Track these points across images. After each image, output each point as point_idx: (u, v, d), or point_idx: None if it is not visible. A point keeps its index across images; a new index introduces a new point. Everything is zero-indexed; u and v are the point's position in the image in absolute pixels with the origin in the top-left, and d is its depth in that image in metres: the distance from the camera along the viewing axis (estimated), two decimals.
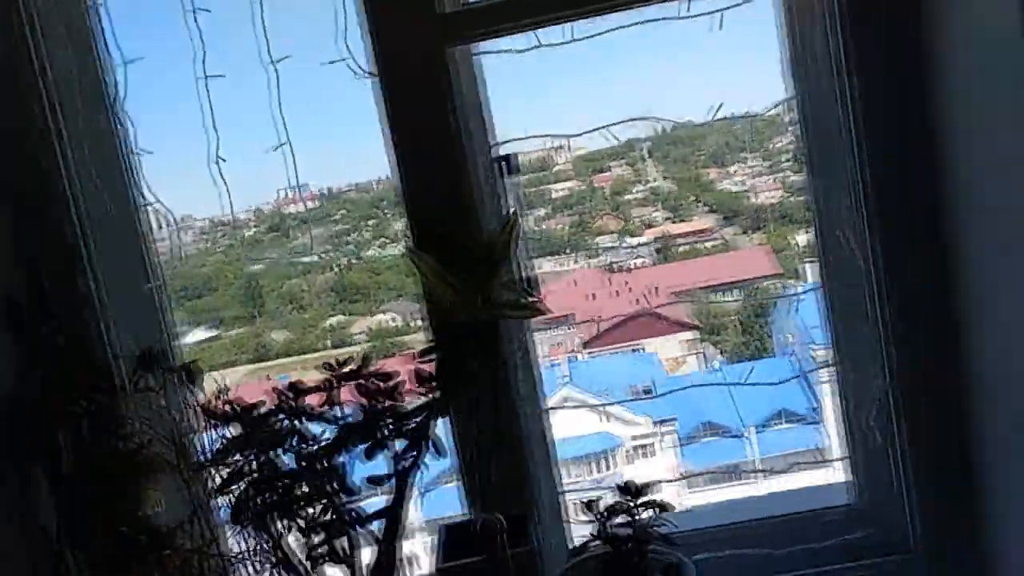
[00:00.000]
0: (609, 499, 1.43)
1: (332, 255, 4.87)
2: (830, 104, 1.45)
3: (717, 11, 1.47)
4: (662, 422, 4.98)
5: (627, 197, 4.72)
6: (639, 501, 1.41)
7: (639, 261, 4.77)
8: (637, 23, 1.50)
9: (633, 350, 5.04)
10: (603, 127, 1.58)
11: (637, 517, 1.40)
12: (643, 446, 4.94)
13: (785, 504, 1.65)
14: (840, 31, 1.40)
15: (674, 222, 4.82)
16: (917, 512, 1.52)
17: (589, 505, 1.43)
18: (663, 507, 1.39)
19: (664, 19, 1.50)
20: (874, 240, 1.45)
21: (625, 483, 1.44)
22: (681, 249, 4.84)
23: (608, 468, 4.74)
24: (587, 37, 1.52)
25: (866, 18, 1.38)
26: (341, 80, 1.55)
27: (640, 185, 4.76)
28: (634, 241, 5.09)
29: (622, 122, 1.59)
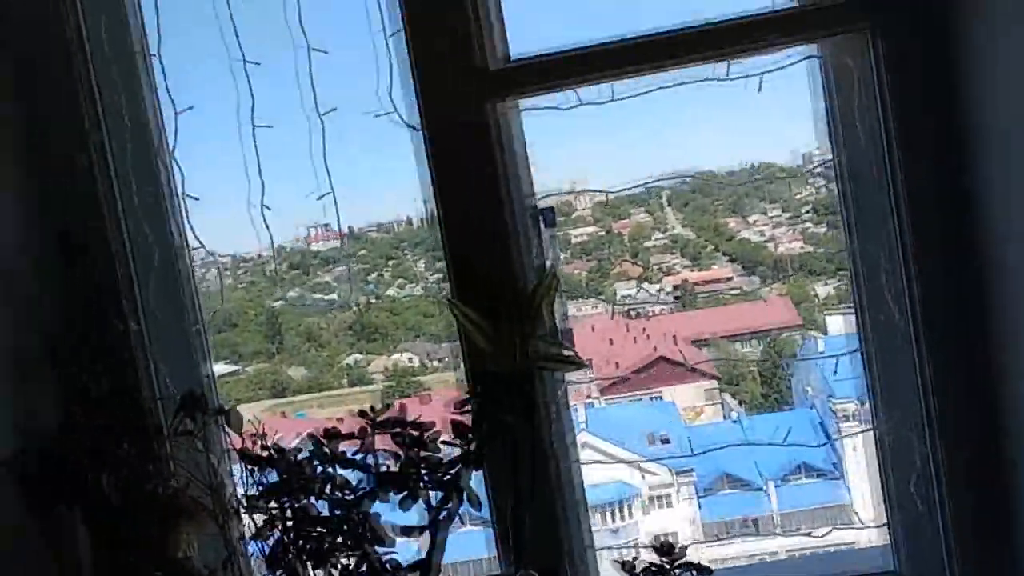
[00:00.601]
0: (643, 557, 1.42)
1: (352, 294, 4.91)
2: (869, 162, 1.46)
3: (757, 74, 1.50)
4: (680, 472, 4.93)
5: (647, 244, 4.74)
6: (677, 563, 1.40)
7: (658, 308, 4.77)
8: (678, 84, 1.53)
9: (651, 398, 5.01)
10: (643, 184, 1.60)
11: None
12: (660, 496, 4.88)
13: (822, 567, 1.62)
14: (878, 91, 1.43)
15: (693, 270, 4.83)
16: None
17: (625, 565, 1.42)
18: (701, 570, 1.38)
19: (704, 80, 1.53)
20: (914, 298, 1.46)
21: (661, 543, 1.43)
22: (700, 297, 4.84)
23: (624, 518, 4.68)
24: (628, 97, 1.56)
25: (904, 79, 1.41)
26: (377, 128, 1.59)
27: (660, 232, 4.78)
28: (653, 288, 5.10)
29: (662, 179, 1.62)
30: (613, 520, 4.75)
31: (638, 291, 5.05)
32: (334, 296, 4.81)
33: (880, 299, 1.51)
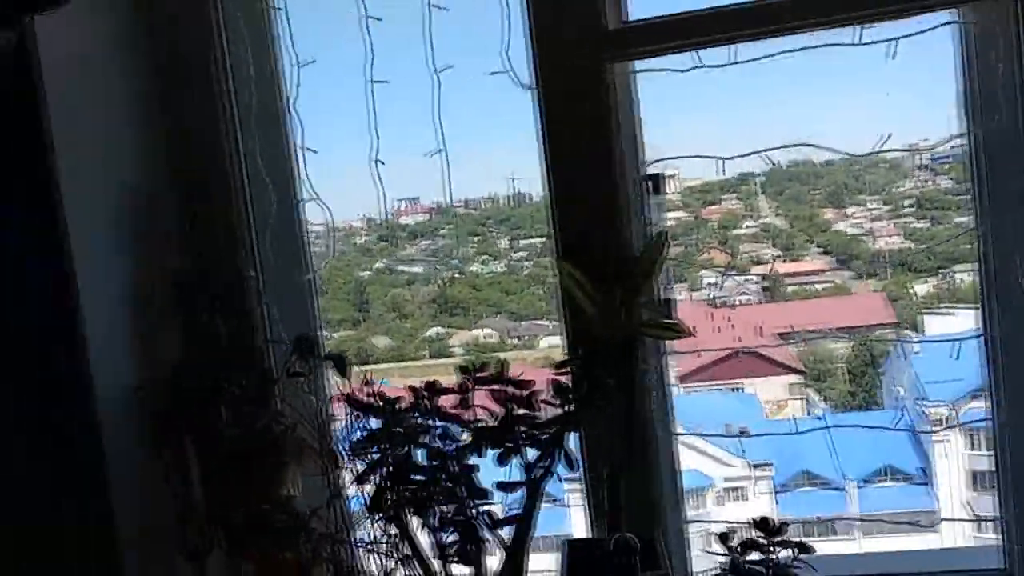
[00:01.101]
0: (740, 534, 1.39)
1: (436, 268, 4.97)
2: (1008, 141, 1.38)
3: (890, 39, 1.43)
4: (758, 466, 4.82)
5: (736, 232, 4.63)
6: (775, 539, 1.36)
7: (744, 298, 4.65)
8: (804, 48, 1.48)
9: (733, 389, 4.91)
10: (760, 151, 1.55)
11: (773, 556, 1.35)
12: (735, 488, 4.79)
13: (925, 562, 1.56)
14: (1021, 64, 1.35)
15: (784, 261, 4.69)
16: None
17: (723, 537, 1.39)
18: (803, 548, 1.34)
19: (832, 45, 1.47)
20: None
21: (762, 518, 1.40)
22: (790, 289, 4.70)
23: (698, 508, 4.61)
24: (749, 61, 1.51)
25: None
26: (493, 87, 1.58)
27: (751, 220, 4.66)
28: (740, 278, 4.98)
29: (777, 148, 1.56)
30: (687, 509, 4.68)
31: (725, 279, 4.94)
32: (419, 269, 4.89)
33: (1010, 285, 1.43)
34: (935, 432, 4.21)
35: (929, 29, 1.41)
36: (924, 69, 1.53)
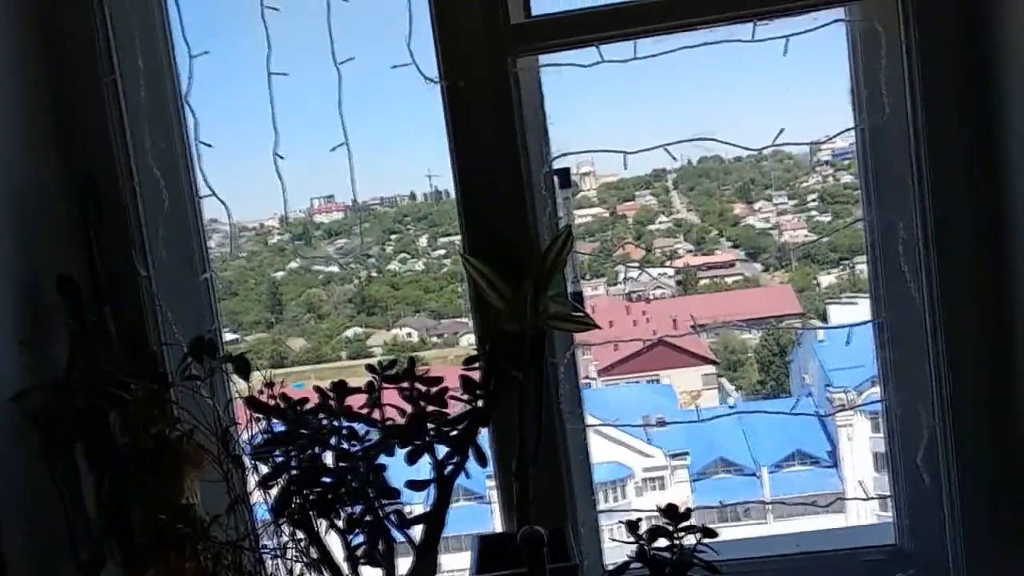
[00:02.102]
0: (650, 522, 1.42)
1: (353, 267, 4.90)
2: (895, 135, 1.44)
3: (783, 36, 1.47)
4: (675, 455, 4.94)
5: (651, 227, 4.73)
6: (681, 525, 1.39)
7: (659, 292, 4.76)
8: (702, 44, 1.51)
9: (649, 381, 5.01)
10: (661, 145, 1.58)
11: (679, 542, 1.38)
12: (654, 478, 4.89)
13: (826, 541, 1.62)
14: (906, 58, 1.41)
15: (696, 255, 4.81)
16: (963, 556, 1.49)
17: (631, 525, 1.41)
18: (707, 532, 1.37)
19: (729, 42, 1.50)
20: (931, 274, 1.44)
21: (668, 505, 1.42)
22: (702, 283, 4.83)
23: (618, 498, 4.69)
24: (651, 56, 1.53)
25: (935, 45, 1.39)
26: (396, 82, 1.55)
27: (664, 216, 4.76)
28: (655, 272, 5.09)
29: (681, 142, 1.59)
30: (607, 500, 4.76)
31: (640, 274, 5.04)
32: (335, 268, 4.80)
33: (897, 271, 1.50)
34: (835, 416, 4.40)
35: (819, 27, 1.46)
36: (820, 66, 1.58)
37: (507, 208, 1.54)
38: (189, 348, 1.37)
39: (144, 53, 1.55)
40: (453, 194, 1.59)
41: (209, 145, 1.57)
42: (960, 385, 1.47)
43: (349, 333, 4.76)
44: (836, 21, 1.47)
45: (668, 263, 4.89)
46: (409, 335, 4.75)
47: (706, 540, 1.37)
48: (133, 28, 1.54)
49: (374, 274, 4.73)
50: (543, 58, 1.55)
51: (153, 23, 1.56)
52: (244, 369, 1.38)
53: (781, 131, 1.51)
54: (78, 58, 1.51)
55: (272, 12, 1.53)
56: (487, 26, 1.49)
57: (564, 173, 1.63)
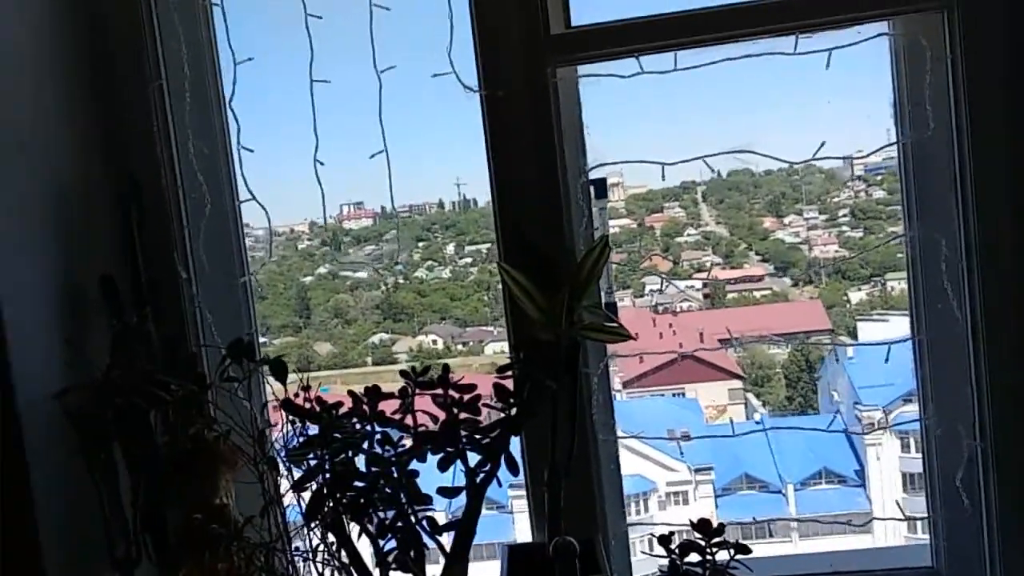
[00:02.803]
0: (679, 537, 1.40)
1: (382, 273, 4.92)
2: (938, 151, 1.43)
3: (826, 50, 1.47)
4: (699, 470, 4.89)
5: (679, 239, 4.71)
6: (714, 541, 1.38)
7: (686, 304, 4.73)
8: (744, 56, 1.50)
9: (674, 394, 4.98)
10: (699, 157, 1.57)
11: (712, 557, 1.36)
12: (677, 492, 4.85)
13: (859, 561, 1.60)
14: (951, 73, 1.40)
15: (724, 268, 4.78)
16: None
17: (663, 539, 1.40)
18: (740, 549, 1.36)
19: (771, 54, 1.50)
20: (974, 292, 1.42)
21: (700, 520, 1.41)
22: (730, 296, 4.80)
23: (641, 512, 4.65)
24: (691, 67, 1.53)
25: (981, 60, 1.37)
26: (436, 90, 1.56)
27: (693, 228, 4.74)
28: (683, 284, 5.06)
29: (719, 154, 1.59)
30: (630, 513, 4.71)
31: (667, 286, 5.01)
32: (363, 274, 4.83)
33: (938, 289, 1.48)
34: (867, 435, 4.34)
35: (862, 40, 1.45)
36: (862, 80, 1.57)
37: (543, 217, 1.54)
38: (228, 350, 1.39)
39: (190, 60, 1.57)
40: (482, 202, 1.60)
41: (251, 150, 1.59)
42: (1001, 405, 1.44)
43: (375, 339, 4.78)
44: (880, 35, 1.46)
45: (696, 276, 4.86)
46: (434, 342, 4.77)
47: (739, 556, 1.36)
48: (180, 35, 1.57)
49: (401, 281, 4.76)
50: (582, 68, 1.55)
51: (199, 31, 1.59)
52: (281, 372, 1.39)
53: (822, 144, 1.50)
54: (126, 64, 1.54)
55: (315, 20, 1.55)
56: (527, 36, 1.50)
57: (601, 183, 1.63)
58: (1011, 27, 1.37)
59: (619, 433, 1.67)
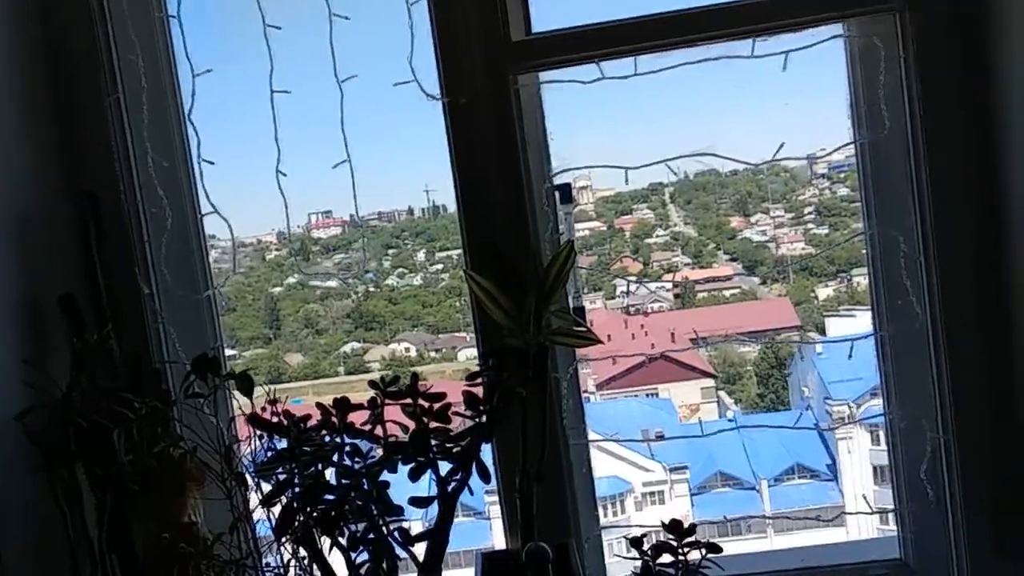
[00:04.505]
0: (654, 537, 1.41)
1: (351, 282, 4.89)
2: (894, 150, 1.45)
3: (782, 52, 1.48)
4: (675, 469, 4.92)
5: (648, 241, 4.74)
6: (686, 541, 1.39)
7: (657, 305, 4.76)
8: (702, 60, 1.52)
9: (648, 394, 5.00)
10: (662, 161, 1.59)
11: (684, 557, 1.37)
12: (654, 493, 4.87)
13: (831, 556, 1.61)
14: (905, 72, 1.42)
15: (694, 268, 4.82)
16: (968, 569, 1.49)
17: (635, 541, 1.41)
18: (712, 548, 1.37)
19: (729, 57, 1.51)
20: (933, 288, 1.45)
21: (672, 521, 1.42)
22: (700, 296, 4.84)
23: (617, 513, 4.67)
24: (651, 72, 1.54)
25: (934, 60, 1.40)
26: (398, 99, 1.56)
27: (662, 229, 4.78)
28: (653, 285, 5.09)
29: (681, 157, 1.60)
30: (607, 515, 4.73)
31: (637, 287, 5.04)
32: (333, 284, 4.80)
33: (898, 285, 1.50)
34: (835, 429, 4.40)
35: (818, 43, 1.48)
36: (820, 81, 1.59)
37: (509, 224, 1.54)
38: (193, 366, 1.37)
39: (147, 72, 1.55)
40: (452, 209, 1.60)
41: (211, 163, 1.58)
42: (963, 398, 1.47)
43: (347, 348, 4.75)
44: (835, 37, 1.48)
45: (666, 276, 4.90)
46: (407, 350, 4.75)
47: (711, 555, 1.37)
48: (137, 47, 1.54)
49: (372, 289, 4.73)
50: (544, 75, 1.56)
51: (156, 42, 1.57)
52: (247, 386, 1.37)
53: (782, 145, 1.52)
54: (82, 77, 1.51)
55: (274, 31, 1.54)
56: (488, 43, 1.50)
57: (565, 188, 1.64)
58: (960, 27, 1.40)
59: (590, 436, 1.67)
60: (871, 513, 1.69)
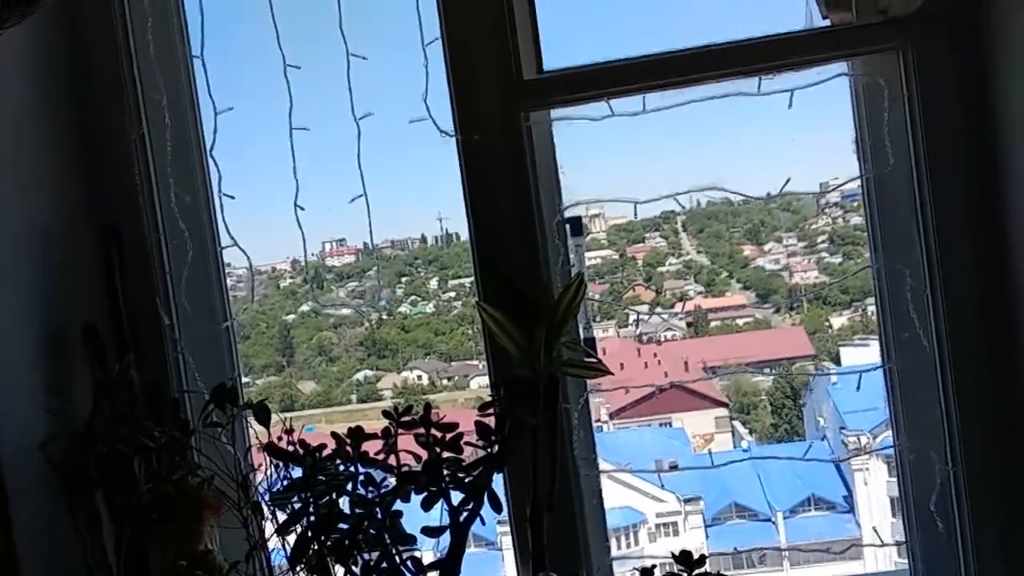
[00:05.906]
0: (665, 569, 1.42)
1: (364, 310, 4.93)
2: (899, 185, 1.48)
3: (788, 90, 1.52)
4: (689, 500, 4.88)
5: (660, 269, 4.75)
6: (696, 572, 1.39)
7: (670, 334, 4.76)
8: (709, 98, 1.55)
9: (661, 424, 4.98)
10: (670, 195, 1.62)
11: None
12: (667, 524, 4.83)
13: None
14: (908, 110, 1.45)
15: (707, 296, 4.82)
16: None
17: (645, 572, 1.41)
18: None
19: (735, 95, 1.55)
20: (939, 321, 1.46)
21: (681, 552, 1.43)
22: (713, 324, 4.83)
23: (631, 544, 4.63)
24: (660, 109, 1.58)
25: (936, 98, 1.43)
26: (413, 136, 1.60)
27: (674, 258, 4.79)
28: (666, 314, 5.09)
29: (689, 191, 1.63)
30: (619, 546, 4.70)
31: (650, 316, 5.04)
32: (346, 311, 4.83)
33: (905, 317, 1.52)
34: (848, 460, 4.36)
35: (823, 81, 1.51)
36: (825, 117, 1.62)
37: (521, 256, 1.57)
38: (212, 396, 1.40)
39: (171, 110, 1.60)
40: (464, 237, 1.63)
41: (232, 197, 1.62)
42: (971, 430, 1.48)
43: (359, 376, 4.77)
44: (840, 75, 1.51)
45: (678, 306, 4.90)
46: (419, 378, 4.76)
47: None
48: (161, 86, 1.60)
49: (384, 317, 4.77)
50: (555, 112, 1.60)
51: (180, 82, 1.63)
52: (264, 417, 1.40)
53: (788, 180, 1.55)
54: (109, 115, 1.57)
55: (294, 70, 1.59)
56: (501, 82, 1.55)
57: (576, 221, 1.67)
58: (962, 65, 1.43)
59: (601, 467, 1.69)
60: (881, 545, 1.69)
